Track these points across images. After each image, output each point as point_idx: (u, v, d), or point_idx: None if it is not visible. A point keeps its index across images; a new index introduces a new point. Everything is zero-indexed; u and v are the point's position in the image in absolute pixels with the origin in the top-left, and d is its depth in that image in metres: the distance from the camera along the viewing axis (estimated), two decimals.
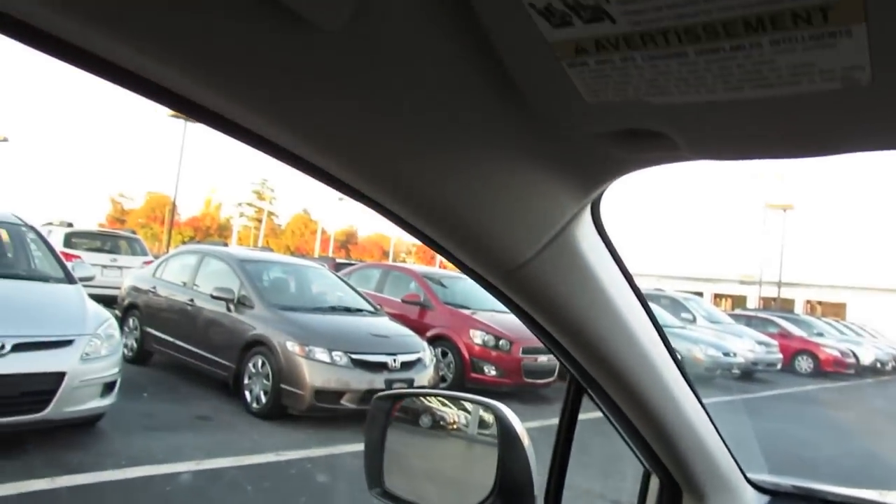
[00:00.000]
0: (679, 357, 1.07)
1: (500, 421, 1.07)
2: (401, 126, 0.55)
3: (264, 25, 0.44)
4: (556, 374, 8.39)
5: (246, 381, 6.59)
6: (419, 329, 8.55)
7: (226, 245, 18.10)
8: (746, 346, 13.77)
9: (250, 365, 6.60)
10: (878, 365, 18.23)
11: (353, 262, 18.75)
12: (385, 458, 1.14)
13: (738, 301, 35.59)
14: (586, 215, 0.77)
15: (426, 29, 0.49)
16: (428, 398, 1.29)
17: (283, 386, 6.21)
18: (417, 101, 0.54)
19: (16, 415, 4.37)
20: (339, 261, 17.55)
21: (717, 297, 36.92)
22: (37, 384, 4.48)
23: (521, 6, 0.44)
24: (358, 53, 0.48)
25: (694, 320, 14.85)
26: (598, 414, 1.08)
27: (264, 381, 6.41)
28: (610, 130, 0.58)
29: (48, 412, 4.47)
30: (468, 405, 1.18)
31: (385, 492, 1.14)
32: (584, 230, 0.77)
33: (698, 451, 1.11)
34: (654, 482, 1.21)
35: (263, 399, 6.37)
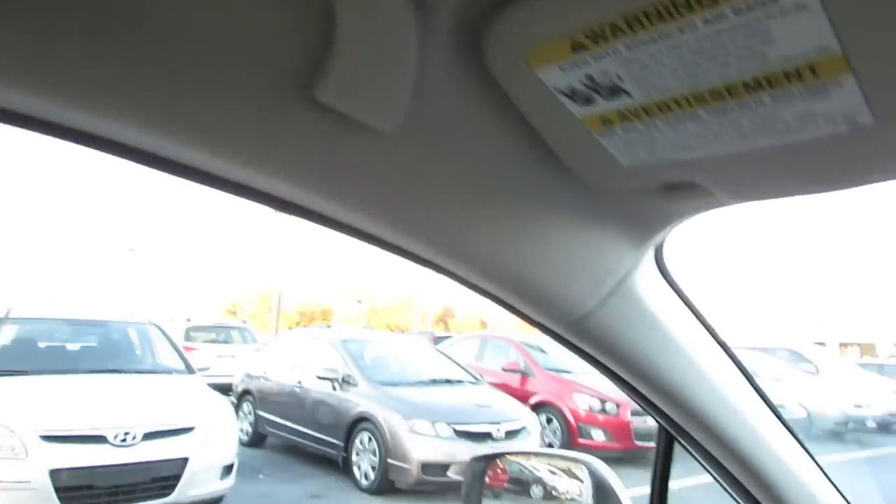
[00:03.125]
0: (771, 402, 1.06)
1: (594, 475, 1.10)
2: (462, 202, 0.65)
3: (322, 129, 0.53)
4: None
5: (354, 457, 6.72)
6: (521, 397, 8.46)
7: (329, 328, 18.73)
8: (880, 396, 12.60)
9: (357, 441, 6.74)
10: None
11: (451, 335, 18.86)
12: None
13: (867, 349, 32.74)
14: (649, 265, 0.82)
15: (474, 120, 0.59)
16: (522, 457, 1.34)
17: (389, 461, 6.28)
18: (474, 180, 0.63)
19: (147, 499, 4.66)
20: (437, 334, 17.73)
21: (843, 346, 34.13)
22: (164, 470, 4.78)
23: (550, 92, 0.54)
24: (414, 149, 0.59)
25: (817, 372, 13.80)
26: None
27: (371, 457, 6.51)
28: (648, 186, 0.66)
29: (175, 496, 4.75)
30: (562, 462, 1.22)
31: None
32: (648, 278, 0.82)
33: (801, 494, 1.08)
34: None
35: (372, 475, 6.45)
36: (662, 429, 1.07)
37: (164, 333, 6.77)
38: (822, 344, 20.82)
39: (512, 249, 0.70)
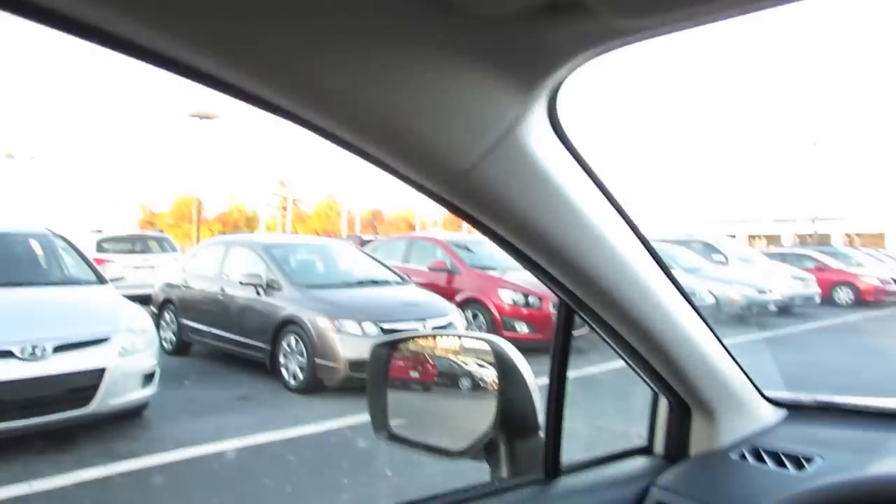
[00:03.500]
0: (676, 279, 1.05)
1: (498, 355, 1.08)
2: (322, 44, 0.55)
3: None
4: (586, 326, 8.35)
5: (282, 360, 6.73)
6: (448, 295, 8.61)
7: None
8: (782, 281, 13.58)
9: (284, 344, 6.74)
10: None
11: (378, 238, 18.84)
12: (389, 403, 1.17)
13: (773, 240, 34.94)
14: (539, 117, 0.74)
15: None
16: (426, 339, 1.31)
17: (317, 361, 6.33)
18: (332, 16, 0.54)
19: (64, 411, 4.55)
20: (364, 237, 17.64)
21: (752, 238, 36.29)
22: (80, 381, 4.65)
23: None
24: None
25: (727, 262, 14.66)
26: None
27: (299, 359, 6.54)
28: (531, 6, 0.57)
29: (94, 406, 4.65)
30: (467, 342, 1.20)
31: (391, 435, 1.17)
32: (539, 132, 0.74)
33: (704, 369, 1.10)
34: (663, 403, 1.21)
35: (300, 375, 6.51)
36: (563, 303, 1.04)
37: (70, 244, 6.43)
38: (732, 236, 22.03)
39: (384, 96, 0.62)
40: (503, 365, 1.07)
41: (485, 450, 1.06)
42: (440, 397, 1.23)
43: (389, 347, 1.23)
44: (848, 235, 35.31)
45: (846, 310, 15.28)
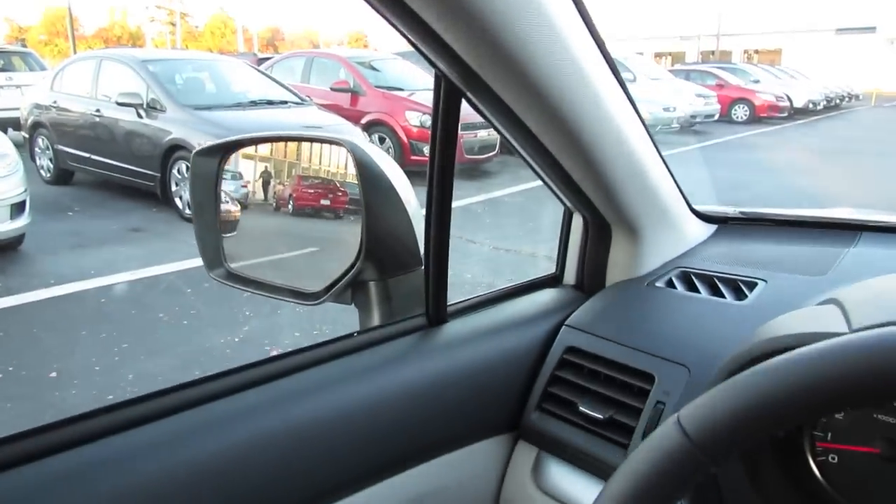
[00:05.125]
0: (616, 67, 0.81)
1: (361, 164, 0.84)
2: None
3: None
4: (497, 148, 8.23)
5: (174, 187, 6.29)
6: (352, 117, 8.16)
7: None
8: (686, 99, 13.76)
9: (175, 171, 6.26)
10: (811, 106, 18.61)
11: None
12: (225, 231, 0.93)
13: (678, 57, 35.15)
14: None
15: None
16: (268, 144, 1.04)
17: None
18: None
19: None
20: (261, 56, 16.23)
21: (658, 56, 36.35)
22: None
23: None
24: None
25: (634, 80, 14.61)
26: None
27: None
28: None
29: None
30: (323, 149, 0.95)
31: (230, 273, 0.95)
32: None
33: (638, 181, 0.90)
34: (578, 223, 1.02)
35: None
36: (443, 78, 0.75)
37: None
38: (640, 54, 21.88)
39: None
40: (368, 178, 0.83)
41: (352, 291, 0.86)
42: (294, 222, 1.00)
43: (219, 155, 0.97)
44: (746, 52, 36.01)
45: (741, 126, 15.85)
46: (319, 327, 3.55)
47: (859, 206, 1.27)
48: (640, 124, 0.86)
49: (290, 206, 0.99)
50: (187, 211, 6.18)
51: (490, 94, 0.73)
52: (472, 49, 0.66)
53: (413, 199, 0.86)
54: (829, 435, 0.65)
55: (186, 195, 6.18)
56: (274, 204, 1.01)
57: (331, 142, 0.90)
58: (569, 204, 0.99)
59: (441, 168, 0.80)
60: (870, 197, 7.06)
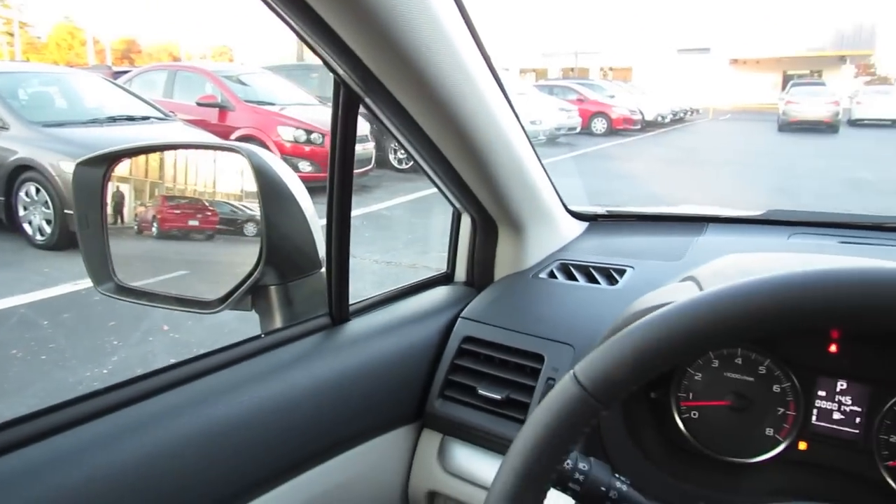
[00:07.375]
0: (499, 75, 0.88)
1: (259, 171, 0.84)
2: None
3: None
4: (372, 162, 8.27)
5: (22, 212, 5.78)
6: (222, 133, 7.90)
7: None
8: (550, 113, 14.51)
9: (23, 195, 5.76)
10: (660, 118, 20.27)
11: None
12: (112, 242, 0.90)
13: (542, 73, 36.96)
14: None
15: None
16: (158, 154, 1.01)
17: (67, 211, 5.51)
18: None
19: None
20: (117, 69, 15.28)
21: (523, 72, 38.02)
22: None
23: None
24: None
25: None
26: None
27: (44, 210, 5.65)
28: None
29: None
30: (217, 156, 0.94)
31: (120, 287, 0.91)
32: None
33: (522, 184, 0.99)
34: (466, 225, 1.10)
35: (48, 229, 5.66)
36: (342, 84, 0.77)
37: None
38: (506, 70, 22.82)
39: None
40: (266, 184, 0.83)
41: (252, 297, 0.86)
42: (159, 245, 0.97)
43: (104, 165, 0.92)
44: (602, 69, 38.53)
45: (601, 138, 16.93)
46: (196, 351, 3.39)
47: (704, 203, 1.46)
48: (521, 131, 0.94)
49: (153, 229, 0.96)
50: (38, 237, 5.69)
51: (390, 99, 0.76)
52: (374, 53, 0.69)
53: (310, 205, 0.87)
54: (691, 395, 0.75)
55: (37, 220, 5.71)
56: (136, 227, 0.97)
57: (226, 148, 0.89)
58: (458, 205, 1.06)
59: (341, 172, 0.84)
60: (713, 196, 7.87)
